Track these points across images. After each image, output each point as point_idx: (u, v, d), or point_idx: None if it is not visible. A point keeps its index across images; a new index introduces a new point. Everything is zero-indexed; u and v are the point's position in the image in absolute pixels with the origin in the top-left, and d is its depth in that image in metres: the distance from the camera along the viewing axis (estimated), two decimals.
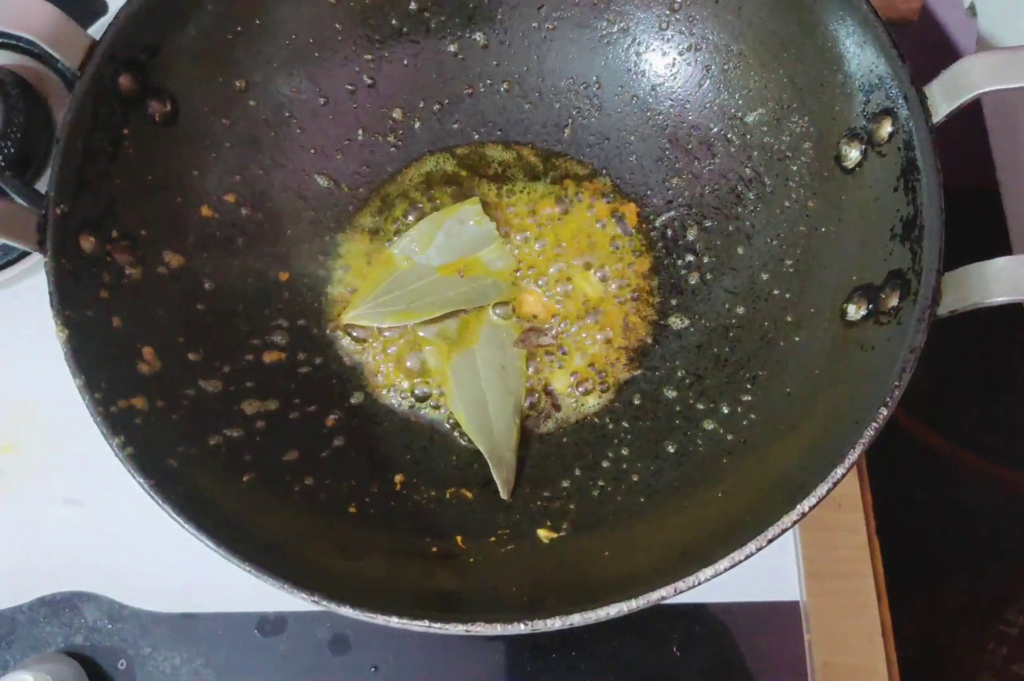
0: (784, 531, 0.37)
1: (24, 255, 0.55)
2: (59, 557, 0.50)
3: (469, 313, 0.50)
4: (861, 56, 0.44)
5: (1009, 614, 0.74)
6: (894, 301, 0.41)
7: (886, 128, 0.43)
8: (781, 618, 0.52)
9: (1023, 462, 0.74)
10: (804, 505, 0.37)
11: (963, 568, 0.76)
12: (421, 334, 0.50)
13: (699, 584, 0.36)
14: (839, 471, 0.37)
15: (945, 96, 0.41)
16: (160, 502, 0.35)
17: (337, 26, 0.50)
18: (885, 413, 0.38)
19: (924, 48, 0.76)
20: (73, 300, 0.38)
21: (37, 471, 0.52)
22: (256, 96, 0.49)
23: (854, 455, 0.38)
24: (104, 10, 0.60)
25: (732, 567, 0.37)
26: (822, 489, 0.37)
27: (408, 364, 0.49)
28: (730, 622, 0.52)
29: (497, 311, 0.51)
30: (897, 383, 0.38)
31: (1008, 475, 0.77)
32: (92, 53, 0.40)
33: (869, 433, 0.38)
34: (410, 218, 0.52)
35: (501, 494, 0.45)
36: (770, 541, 0.37)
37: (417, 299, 0.50)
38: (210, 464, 0.40)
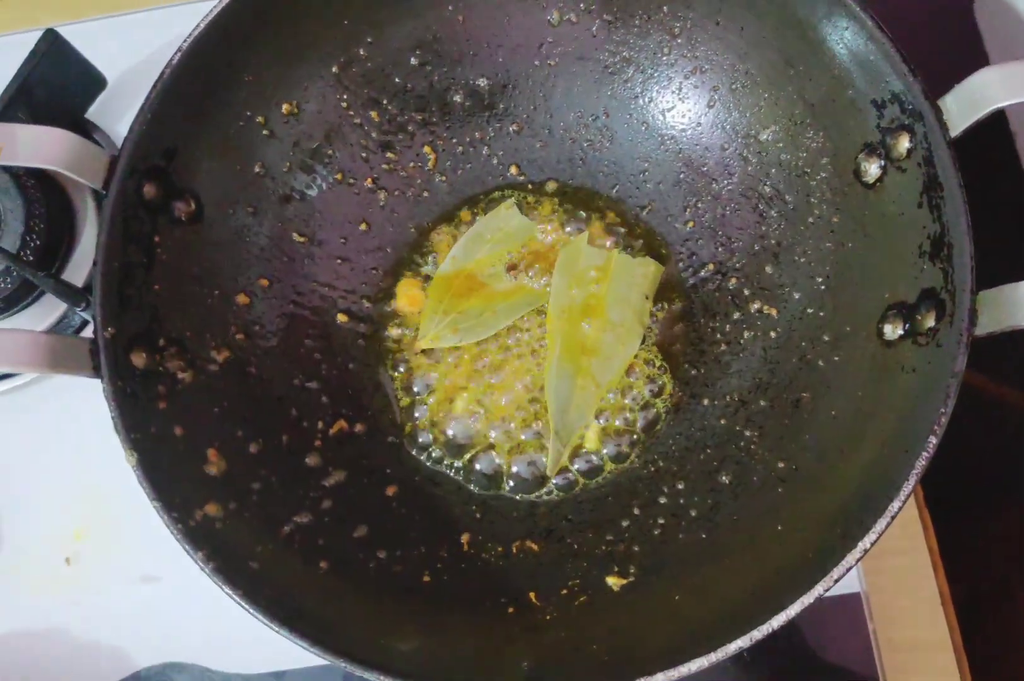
0: (848, 570, 0.38)
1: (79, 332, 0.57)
2: (146, 632, 0.53)
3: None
4: (870, 71, 0.43)
5: None
6: (931, 322, 0.41)
7: (904, 144, 0.43)
8: (845, 610, 0.53)
9: None
10: (866, 542, 0.38)
11: (1005, 502, 0.76)
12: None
13: (772, 631, 0.38)
14: (895, 505, 0.38)
15: (961, 110, 0.40)
16: (251, 610, 0.37)
17: (344, 96, 0.50)
18: (934, 441, 0.38)
19: (925, 4, 0.75)
20: (136, 421, 0.39)
21: (111, 553, 0.54)
22: (276, 176, 0.49)
23: (908, 487, 0.38)
24: (103, 85, 0.60)
25: (802, 609, 0.38)
26: (881, 524, 0.38)
27: (450, 432, 0.50)
28: (796, 620, 0.53)
29: None
30: (943, 410, 0.38)
31: None
32: (113, 169, 0.41)
33: (921, 463, 0.38)
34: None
35: (548, 471, 0.49)
36: (836, 581, 0.38)
37: (481, 312, 0.51)
38: (288, 558, 0.41)
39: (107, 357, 0.39)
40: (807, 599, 0.37)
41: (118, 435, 0.38)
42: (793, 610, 0.37)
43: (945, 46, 0.72)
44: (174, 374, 0.43)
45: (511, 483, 0.49)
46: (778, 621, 0.37)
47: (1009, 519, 0.74)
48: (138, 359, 0.41)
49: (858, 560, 0.38)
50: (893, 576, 0.53)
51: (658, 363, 0.51)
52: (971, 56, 0.66)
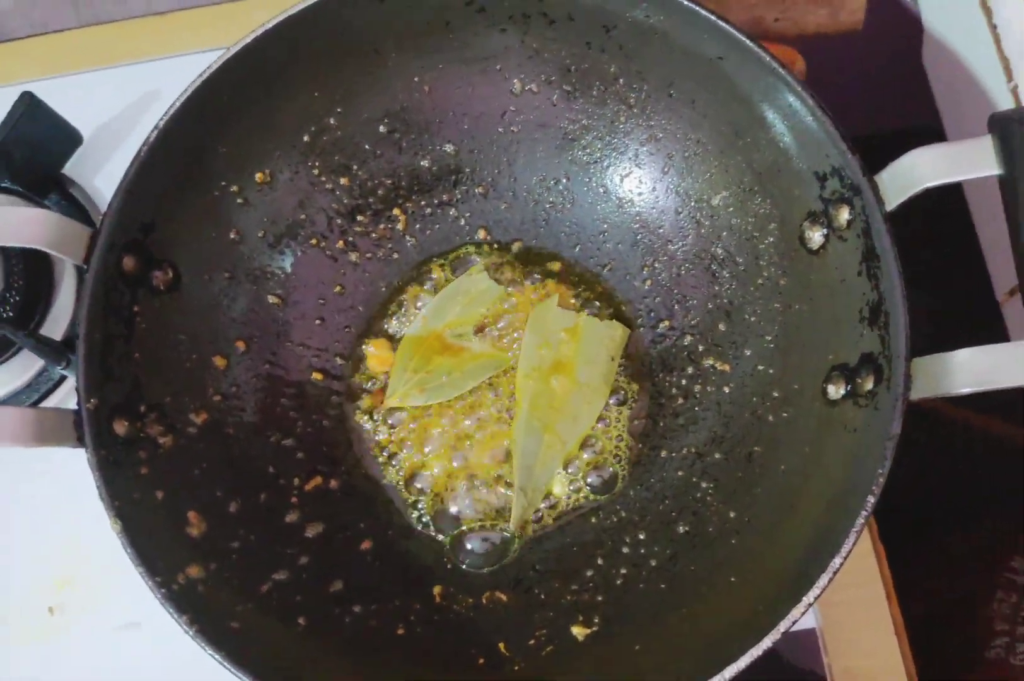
0: (794, 622, 0.40)
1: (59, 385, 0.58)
2: (131, 678, 0.54)
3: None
4: (812, 145, 0.46)
5: (1015, 562, 0.77)
6: (870, 385, 0.43)
7: (844, 215, 0.45)
8: (801, 646, 0.55)
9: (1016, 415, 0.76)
10: (809, 596, 0.40)
11: (961, 520, 0.78)
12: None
13: None
14: (837, 561, 0.41)
15: (895, 187, 0.43)
16: (234, 671, 0.39)
17: (316, 163, 0.52)
18: (872, 500, 0.41)
19: (874, 54, 0.78)
20: (119, 488, 0.41)
21: (93, 602, 0.55)
22: (251, 242, 0.51)
23: (849, 544, 0.41)
24: (79, 141, 0.61)
25: (751, 661, 0.40)
26: (823, 579, 0.40)
27: (420, 485, 0.53)
28: None
29: None
30: (880, 471, 0.41)
31: (1001, 427, 0.80)
32: (93, 244, 0.43)
33: (860, 521, 0.41)
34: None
35: (512, 526, 0.51)
36: (783, 633, 0.40)
37: (449, 372, 0.53)
38: (267, 615, 0.43)
39: (91, 428, 0.41)
40: (756, 651, 0.40)
41: (102, 502, 0.40)
42: (743, 662, 0.40)
43: (895, 95, 0.75)
44: (155, 439, 0.45)
45: (466, 560, 0.51)
46: (730, 672, 0.40)
47: (966, 536, 0.77)
48: (120, 427, 0.43)
49: (803, 613, 0.40)
50: (847, 608, 0.55)
51: (619, 416, 0.54)
52: (921, 103, 0.69)
